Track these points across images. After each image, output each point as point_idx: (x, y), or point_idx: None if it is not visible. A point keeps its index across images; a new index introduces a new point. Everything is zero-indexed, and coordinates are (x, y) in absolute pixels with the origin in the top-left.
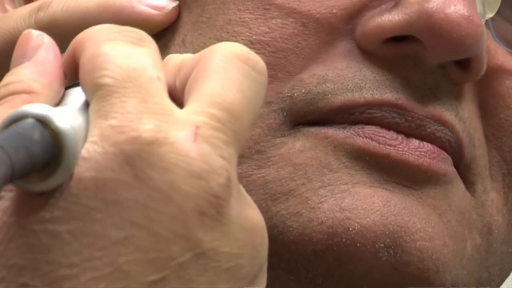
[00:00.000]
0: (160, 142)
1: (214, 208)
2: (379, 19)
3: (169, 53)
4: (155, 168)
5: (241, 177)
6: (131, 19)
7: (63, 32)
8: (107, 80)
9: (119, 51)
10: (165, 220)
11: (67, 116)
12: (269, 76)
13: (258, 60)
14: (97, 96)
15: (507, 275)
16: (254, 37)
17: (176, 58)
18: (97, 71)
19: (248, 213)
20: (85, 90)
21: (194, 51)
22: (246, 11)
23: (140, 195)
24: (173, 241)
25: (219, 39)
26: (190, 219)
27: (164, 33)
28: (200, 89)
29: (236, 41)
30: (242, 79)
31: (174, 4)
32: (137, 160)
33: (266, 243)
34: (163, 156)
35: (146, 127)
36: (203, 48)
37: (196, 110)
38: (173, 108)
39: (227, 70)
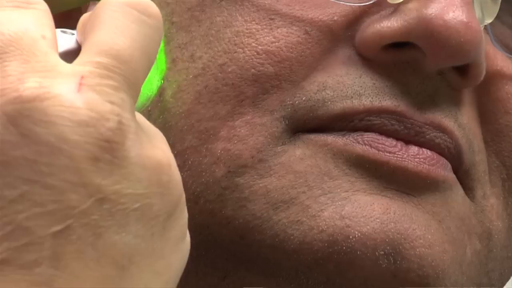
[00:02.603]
0: (42, 97)
1: (108, 153)
2: (378, 26)
3: (178, 69)
4: (40, 123)
5: (243, 187)
6: None
7: None
8: None
9: (3, 17)
10: (57, 171)
11: None
12: (274, 86)
13: (148, 4)
14: None
15: (507, 280)
16: (260, 47)
17: (82, 17)
18: None
19: (151, 153)
20: None
21: (204, 65)
22: (252, 22)
23: (28, 152)
24: (70, 190)
25: (227, 52)
26: (84, 167)
27: (171, 50)
28: (88, 40)
29: (243, 52)
30: (131, 25)
31: None
32: (20, 118)
33: (176, 179)
34: (47, 110)
35: (27, 85)
36: (212, 62)
37: (82, 61)
38: (58, 63)
39: (115, 17)
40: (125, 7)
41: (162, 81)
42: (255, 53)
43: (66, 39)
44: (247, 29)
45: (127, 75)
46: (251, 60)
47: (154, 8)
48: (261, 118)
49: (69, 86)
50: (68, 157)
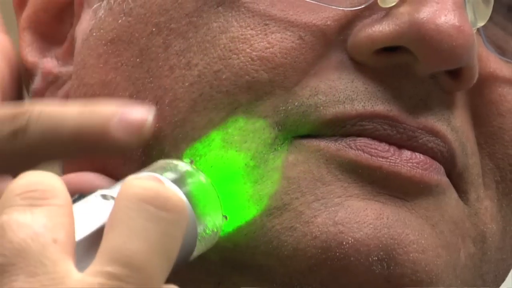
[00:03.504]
0: None
1: None
2: (369, 30)
3: (174, 76)
4: None
5: (237, 194)
6: (108, 148)
7: (43, 157)
8: None
9: (14, 221)
10: None
11: None
12: (267, 92)
13: (167, 196)
14: None
15: (502, 281)
16: (255, 53)
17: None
18: None
19: None
20: None
21: (199, 73)
22: (247, 28)
23: None
24: None
25: (222, 58)
26: None
27: (169, 57)
28: (102, 244)
29: (237, 58)
30: (147, 225)
31: (151, 116)
32: None
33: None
34: None
35: None
36: (207, 69)
37: (94, 270)
38: (67, 274)
39: (129, 217)
40: (142, 204)
41: (227, 217)
42: (249, 59)
43: (105, 207)
44: (242, 34)
45: (142, 283)
46: (245, 67)
47: (175, 199)
48: (254, 124)
49: None
50: None
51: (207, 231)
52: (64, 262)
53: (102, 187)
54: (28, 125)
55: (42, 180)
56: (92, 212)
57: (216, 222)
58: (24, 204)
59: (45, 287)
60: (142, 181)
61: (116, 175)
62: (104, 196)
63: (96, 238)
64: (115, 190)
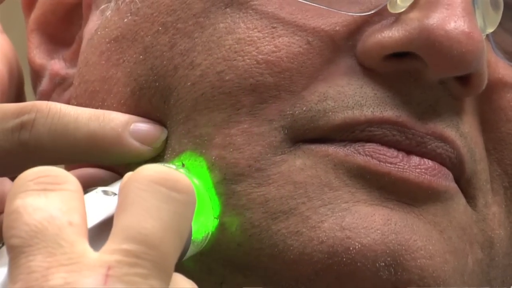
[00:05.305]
0: None
1: None
2: (379, 36)
3: (178, 76)
4: None
5: (241, 195)
6: (120, 156)
7: (49, 157)
8: (14, 241)
9: (29, 205)
10: None
11: None
12: (272, 96)
13: (177, 179)
14: (10, 258)
15: (509, 286)
16: (261, 56)
17: (126, 176)
18: (7, 231)
19: None
20: (7, 251)
21: (202, 72)
22: (255, 30)
23: None
24: None
25: (227, 59)
26: None
27: (173, 56)
28: (116, 224)
29: (242, 60)
30: (160, 205)
31: (164, 134)
32: None
33: None
34: None
35: (52, 283)
36: (210, 69)
37: (110, 249)
38: (85, 254)
39: (143, 198)
40: (154, 185)
41: (218, 220)
42: (255, 62)
43: (107, 202)
44: (248, 36)
45: (157, 260)
46: (250, 69)
47: (185, 182)
48: (258, 127)
49: (95, 279)
50: None
51: (199, 235)
52: (80, 243)
53: (103, 182)
54: (36, 119)
55: (53, 168)
56: (97, 205)
57: (207, 225)
58: (38, 188)
59: (63, 266)
60: (152, 166)
61: (117, 172)
62: (106, 192)
63: (104, 227)
64: (116, 187)
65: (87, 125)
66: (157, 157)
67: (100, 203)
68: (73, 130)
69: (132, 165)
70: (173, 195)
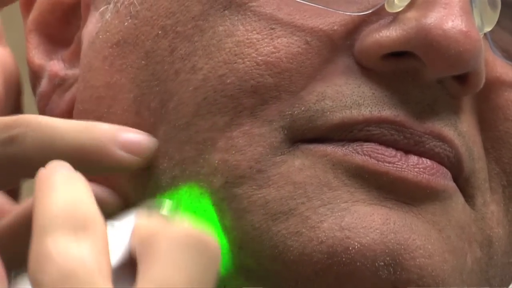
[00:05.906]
0: None
1: None
2: (377, 35)
3: (180, 80)
4: None
5: (242, 198)
6: (108, 167)
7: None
8: (46, 286)
9: (59, 248)
10: None
11: None
12: (273, 97)
13: (206, 237)
14: None
15: (508, 285)
16: (260, 58)
17: (138, 229)
18: (38, 274)
19: None
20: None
21: (204, 77)
22: (253, 32)
23: None
24: None
25: (227, 63)
26: None
27: (174, 61)
28: (144, 275)
29: (243, 63)
30: (189, 261)
31: (154, 144)
32: None
33: None
34: None
35: None
36: (212, 73)
37: None
38: None
39: (173, 252)
40: (184, 241)
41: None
42: (254, 64)
43: (116, 237)
44: (247, 38)
45: None
46: (250, 71)
47: (213, 240)
48: (259, 128)
49: None
50: None
51: None
52: None
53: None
54: (25, 133)
55: (80, 202)
56: (111, 242)
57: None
58: (69, 228)
59: None
60: (183, 224)
61: (111, 183)
62: (112, 224)
63: (124, 268)
64: (124, 222)
65: (74, 138)
66: (151, 167)
67: (113, 239)
68: (60, 143)
69: (125, 174)
70: (202, 252)
